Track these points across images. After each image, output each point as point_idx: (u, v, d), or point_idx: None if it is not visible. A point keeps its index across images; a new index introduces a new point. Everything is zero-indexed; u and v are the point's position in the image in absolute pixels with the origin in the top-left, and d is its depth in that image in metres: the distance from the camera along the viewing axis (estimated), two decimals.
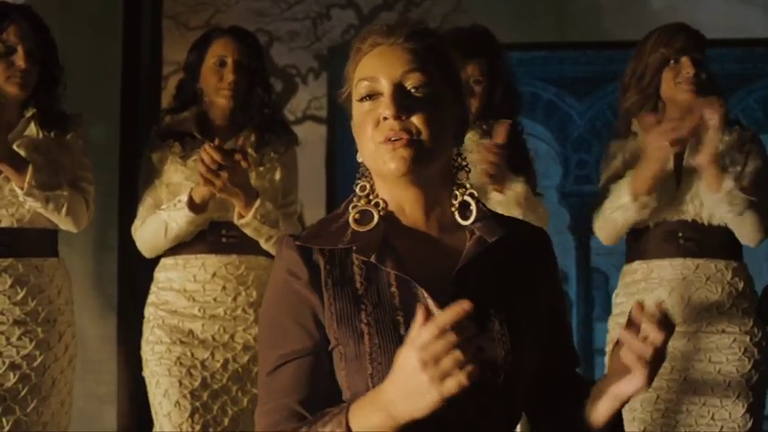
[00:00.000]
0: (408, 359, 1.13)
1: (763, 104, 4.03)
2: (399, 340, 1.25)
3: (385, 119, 1.31)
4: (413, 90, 1.33)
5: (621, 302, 2.53)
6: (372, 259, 1.31)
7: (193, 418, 2.39)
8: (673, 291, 2.44)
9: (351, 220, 1.35)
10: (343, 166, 4.00)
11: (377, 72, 1.34)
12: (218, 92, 2.53)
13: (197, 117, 2.57)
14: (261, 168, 2.53)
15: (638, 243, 2.53)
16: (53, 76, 2.44)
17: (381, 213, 1.35)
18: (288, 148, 2.60)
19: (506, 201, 2.35)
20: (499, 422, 1.31)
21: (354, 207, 1.36)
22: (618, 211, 2.45)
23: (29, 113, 2.43)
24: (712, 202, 2.39)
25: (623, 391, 1.29)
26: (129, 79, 3.60)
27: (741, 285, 2.45)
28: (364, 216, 1.35)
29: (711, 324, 2.39)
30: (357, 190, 1.39)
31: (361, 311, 1.29)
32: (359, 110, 1.36)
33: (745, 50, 3.98)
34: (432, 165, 1.34)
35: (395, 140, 1.30)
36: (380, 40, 1.36)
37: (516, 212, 2.31)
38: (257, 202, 2.39)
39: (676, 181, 2.47)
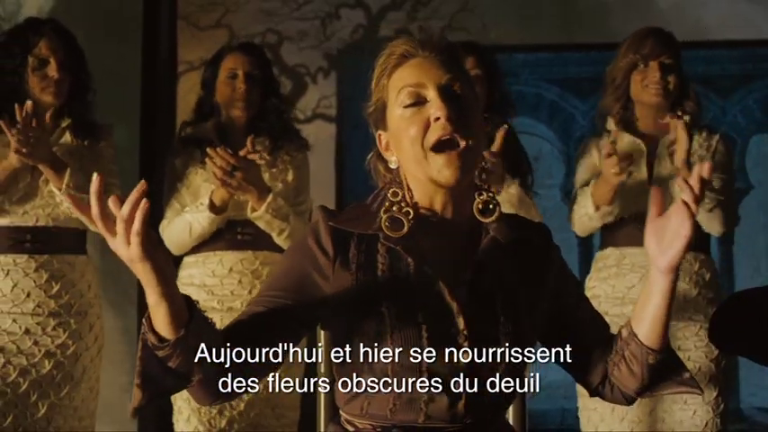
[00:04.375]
0: None
1: (762, 104, 4.08)
2: (416, 324, 1.36)
3: (437, 119, 1.38)
4: (459, 94, 1.41)
5: (594, 287, 2.66)
6: (399, 248, 1.40)
7: None
8: (644, 277, 2.55)
9: (383, 225, 1.42)
10: (352, 163, 4.05)
11: (421, 78, 1.41)
12: (232, 103, 2.70)
13: (216, 126, 2.72)
14: (274, 170, 2.68)
15: (611, 231, 2.66)
16: (83, 84, 2.59)
17: (411, 221, 1.42)
18: (299, 152, 2.76)
19: (500, 201, 2.47)
20: (496, 404, 1.43)
21: (387, 212, 1.43)
22: (584, 217, 2.61)
23: (64, 123, 2.58)
24: None
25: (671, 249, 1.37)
26: (148, 83, 3.69)
27: (708, 276, 2.60)
28: (394, 223, 1.42)
29: (678, 312, 2.50)
30: (390, 195, 1.45)
31: (382, 295, 1.39)
32: (400, 117, 1.42)
33: (744, 51, 4.03)
34: (475, 169, 1.43)
35: (449, 150, 1.38)
36: (413, 51, 1.43)
37: (509, 212, 2.45)
38: (269, 197, 2.55)
39: (648, 175, 2.60)
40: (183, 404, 2.58)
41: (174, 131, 2.95)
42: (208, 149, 2.51)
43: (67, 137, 2.57)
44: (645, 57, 2.57)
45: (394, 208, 1.44)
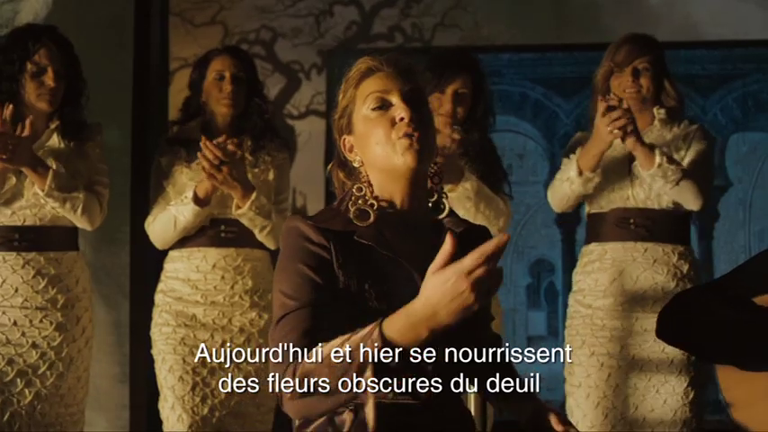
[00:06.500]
0: (446, 278, 1.36)
1: (741, 103, 4.14)
2: (394, 309, 1.47)
3: (401, 119, 1.58)
4: (417, 101, 1.61)
5: (579, 280, 2.78)
6: (371, 243, 1.57)
7: (194, 391, 2.68)
8: (623, 271, 2.67)
9: (352, 216, 1.60)
10: None
11: (387, 86, 1.61)
12: (218, 102, 2.80)
13: (202, 125, 2.82)
14: (255, 170, 2.79)
15: (594, 227, 2.77)
16: (77, 91, 2.68)
17: (376, 213, 1.60)
18: (280, 152, 2.87)
19: (457, 196, 2.59)
20: (453, 392, 1.54)
21: (354, 205, 1.61)
22: (565, 183, 2.70)
23: (53, 125, 2.67)
24: (650, 179, 2.60)
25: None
26: (140, 84, 3.73)
27: (686, 268, 2.68)
28: (362, 214, 1.60)
29: (657, 304, 2.59)
30: (354, 191, 1.63)
31: (366, 285, 1.55)
32: (366, 118, 1.61)
33: (724, 51, 4.10)
34: (429, 161, 1.62)
35: (411, 137, 1.56)
36: (379, 66, 1.63)
37: (468, 205, 2.58)
38: (253, 195, 2.66)
39: (628, 170, 2.69)
40: (168, 392, 2.71)
41: (167, 129, 3.02)
42: (202, 140, 2.60)
43: (55, 138, 2.66)
44: (618, 64, 2.69)
45: (359, 201, 1.62)
